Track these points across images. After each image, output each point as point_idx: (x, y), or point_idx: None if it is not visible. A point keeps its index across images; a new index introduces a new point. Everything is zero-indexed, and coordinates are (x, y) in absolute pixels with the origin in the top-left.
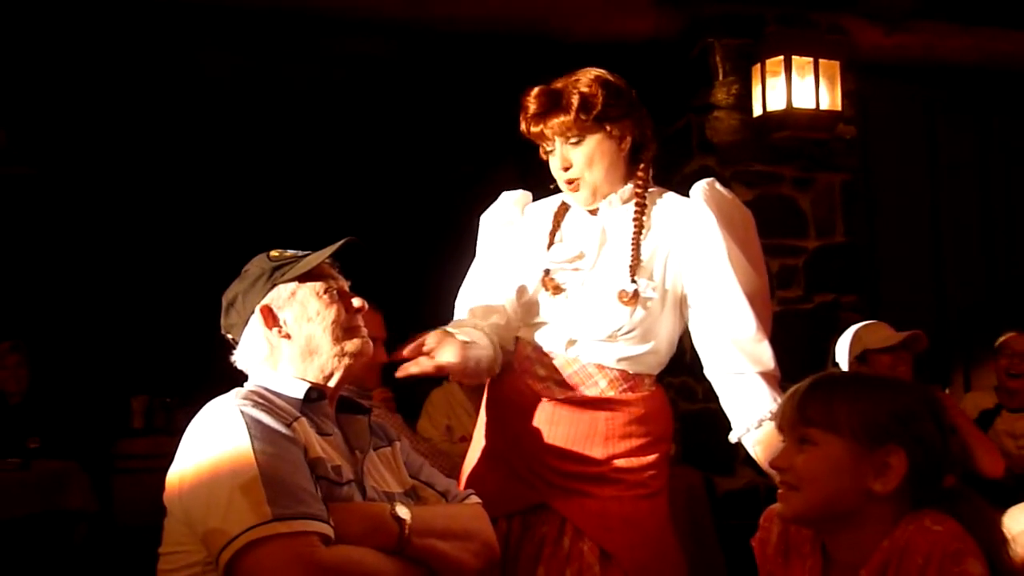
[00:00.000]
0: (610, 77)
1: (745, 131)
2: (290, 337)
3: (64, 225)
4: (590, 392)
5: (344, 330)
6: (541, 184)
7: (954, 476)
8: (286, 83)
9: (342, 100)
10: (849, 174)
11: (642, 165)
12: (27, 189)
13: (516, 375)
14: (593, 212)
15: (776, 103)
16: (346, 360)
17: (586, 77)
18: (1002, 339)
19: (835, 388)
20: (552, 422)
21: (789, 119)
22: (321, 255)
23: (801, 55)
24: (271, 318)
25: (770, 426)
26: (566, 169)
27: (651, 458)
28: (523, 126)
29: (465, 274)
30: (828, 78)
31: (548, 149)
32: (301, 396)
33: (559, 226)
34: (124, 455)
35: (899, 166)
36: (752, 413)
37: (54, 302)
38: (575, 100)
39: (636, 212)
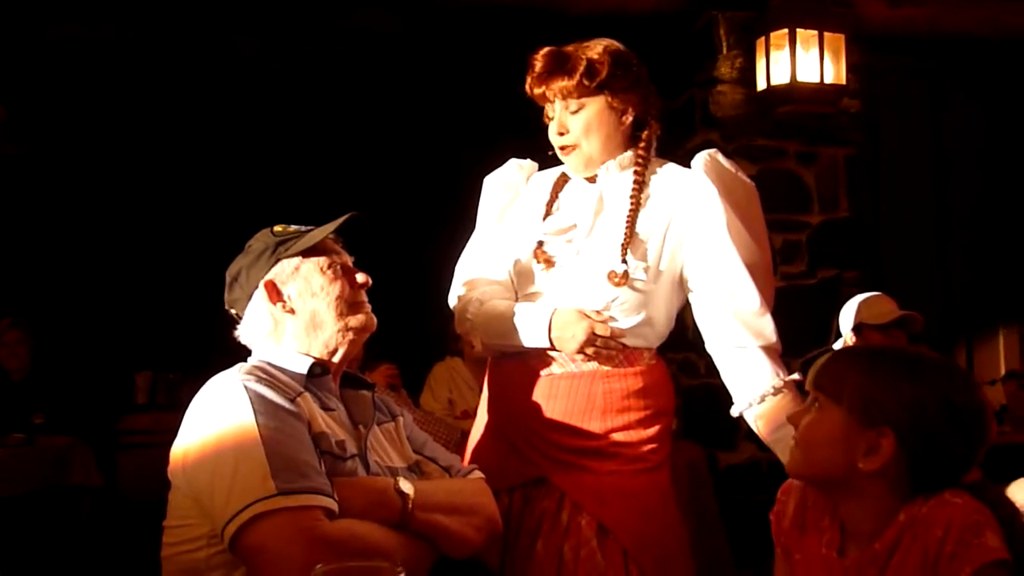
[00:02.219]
0: (621, 48)
1: (749, 105)
2: (294, 312)
3: (66, 202)
4: (587, 366)
5: (348, 305)
6: (543, 160)
7: (979, 473)
8: (288, 58)
9: (344, 76)
10: (853, 148)
11: (643, 143)
12: (29, 167)
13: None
14: (591, 180)
15: (780, 77)
16: (350, 335)
17: (597, 45)
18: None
19: (855, 361)
20: (550, 396)
21: (793, 93)
22: (325, 230)
23: (806, 28)
24: (275, 293)
25: (772, 401)
26: (561, 134)
27: (650, 432)
28: (527, 85)
29: (463, 251)
30: (833, 51)
31: (550, 115)
32: (305, 371)
33: (557, 196)
34: (128, 431)
35: (904, 140)
36: (754, 388)
37: (58, 279)
38: (580, 65)
39: (634, 188)
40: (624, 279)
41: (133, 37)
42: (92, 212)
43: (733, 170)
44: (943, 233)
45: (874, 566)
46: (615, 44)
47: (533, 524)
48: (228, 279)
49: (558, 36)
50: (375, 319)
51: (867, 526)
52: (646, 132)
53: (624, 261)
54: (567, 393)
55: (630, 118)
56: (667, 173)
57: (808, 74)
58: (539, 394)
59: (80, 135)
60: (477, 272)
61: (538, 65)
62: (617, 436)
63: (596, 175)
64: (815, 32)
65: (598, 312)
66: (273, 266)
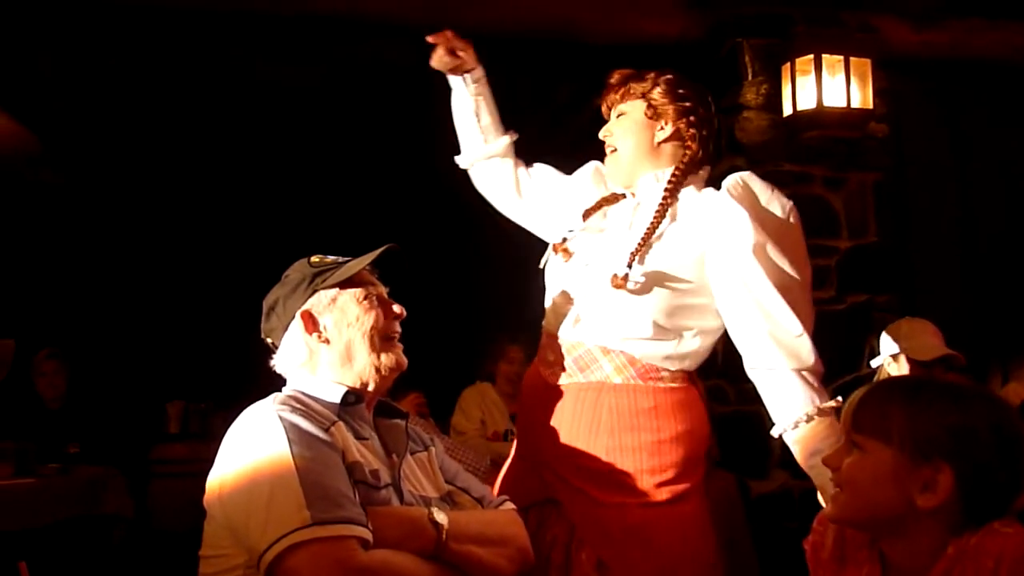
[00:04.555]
0: (677, 76)
1: (775, 131)
2: (329, 342)
3: (100, 232)
4: (594, 377)
5: (382, 337)
6: None
7: None
8: (315, 90)
9: (368, 107)
10: (881, 173)
11: (683, 161)
12: (62, 197)
13: (534, 364)
14: (634, 194)
15: (806, 102)
16: (382, 373)
17: (657, 72)
18: None
19: (893, 395)
20: (556, 411)
21: (820, 118)
22: (362, 261)
23: (831, 53)
24: (311, 323)
25: (807, 427)
26: (603, 139)
27: (664, 459)
28: (599, 102)
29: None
30: (859, 76)
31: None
32: (338, 400)
33: (600, 207)
34: (160, 460)
35: (931, 163)
36: (790, 411)
37: (90, 309)
38: (635, 78)
39: (662, 201)
40: (623, 282)
41: (157, 69)
42: (125, 242)
43: (768, 191)
44: (971, 256)
45: None
46: (675, 74)
47: (546, 549)
48: (265, 308)
49: (582, 66)
50: (405, 359)
51: (915, 562)
52: (687, 153)
53: (629, 266)
54: (572, 408)
55: (667, 132)
56: (699, 195)
57: (834, 99)
58: (547, 408)
59: (113, 166)
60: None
61: (610, 82)
62: (625, 460)
63: (634, 188)
64: (840, 57)
65: None
66: (310, 297)
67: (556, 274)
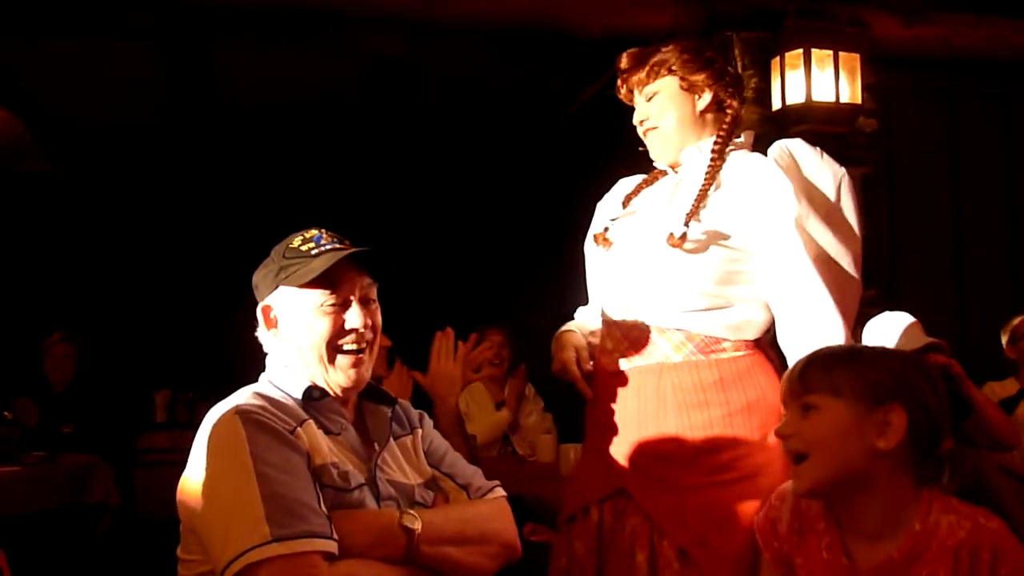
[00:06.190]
0: (695, 42)
1: (764, 125)
2: (284, 341)
3: (86, 222)
4: (653, 359)
5: (331, 350)
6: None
7: (952, 441)
8: (306, 82)
9: (358, 98)
10: (870, 168)
11: (725, 125)
12: (57, 188)
13: (596, 352)
14: (675, 168)
15: (795, 97)
16: (333, 389)
17: (671, 42)
18: (1016, 322)
19: (833, 356)
20: (620, 397)
21: (808, 113)
22: (323, 265)
23: (821, 48)
24: (268, 319)
25: None
26: (641, 123)
27: (736, 432)
28: (617, 89)
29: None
30: (848, 71)
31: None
32: (301, 396)
33: (639, 191)
34: (146, 449)
35: (920, 159)
36: None
37: (78, 298)
38: (652, 55)
39: (710, 166)
40: (680, 241)
41: (150, 59)
42: (110, 231)
43: (816, 160)
44: (959, 252)
45: (891, 574)
46: (692, 40)
47: (626, 544)
48: (253, 284)
49: (573, 58)
50: (366, 375)
51: (873, 525)
52: (727, 112)
53: (686, 224)
54: (635, 392)
55: (706, 100)
56: (744, 160)
57: (823, 94)
58: (610, 395)
59: (107, 159)
60: (592, 297)
61: (621, 65)
62: (696, 438)
63: (679, 163)
64: (830, 52)
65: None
66: (273, 290)
67: (600, 264)
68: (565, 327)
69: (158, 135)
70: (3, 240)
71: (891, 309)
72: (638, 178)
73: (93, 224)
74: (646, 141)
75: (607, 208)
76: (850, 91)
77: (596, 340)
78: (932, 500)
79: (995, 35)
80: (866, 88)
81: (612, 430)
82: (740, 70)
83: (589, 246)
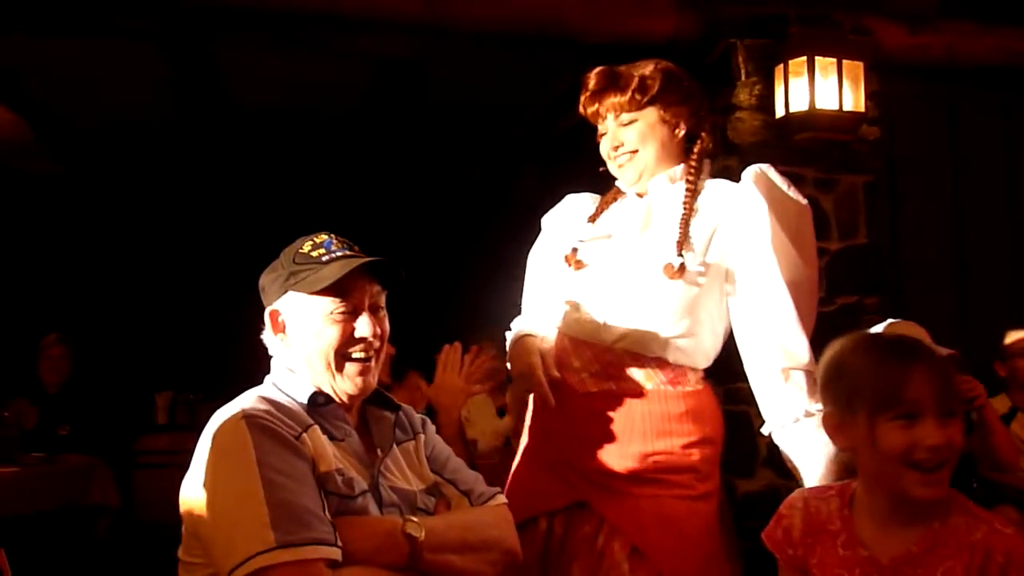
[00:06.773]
0: (672, 66)
1: (767, 132)
2: (291, 347)
3: (88, 223)
4: (626, 384)
5: (339, 357)
6: (559, 191)
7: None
8: (309, 84)
9: (361, 101)
10: (872, 175)
11: (695, 155)
12: (56, 187)
13: (557, 366)
14: (641, 195)
15: (799, 104)
16: (339, 396)
17: (648, 64)
18: (1013, 339)
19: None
20: (587, 418)
21: (812, 120)
22: (336, 274)
23: (824, 55)
24: (276, 323)
25: (796, 427)
26: (616, 148)
27: (693, 459)
28: (581, 103)
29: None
30: (852, 79)
31: (602, 131)
32: (307, 401)
33: (602, 211)
34: (146, 451)
35: (923, 167)
36: (781, 412)
37: (79, 299)
38: (633, 81)
39: (687, 194)
40: (680, 272)
41: (152, 61)
42: (112, 232)
43: (784, 187)
44: (962, 260)
45: (910, 566)
46: (667, 63)
47: (573, 549)
48: (260, 286)
49: (574, 64)
50: (372, 382)
51: (900, 516)
52: (698, 145)
53: (680, 255)
54: (604, 415)
55: (682, 131)
56: (716, 187)
57: (827, 101)
58: (576, 415)
59: (108, 159)
60: (533, 313)
61: (592, 83)
62: (657, 459)
63: (646, 191)
64: (834, 59)
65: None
66: (282, 295)
67: (569, 284)
68: (521, 331)
69: (160, 136)
70: (3, 240)
71: (894, 317)
72: (590, 196)
73: (95, 224)
74: (616, 165)
75: (567, 226)
76: (853, 99)
77: (550, 351)
78: (952, 501)
79: (999, 44)
80: (870, 96)
81: (574, 446)
82: (743, 78)
83: (548, 263)
